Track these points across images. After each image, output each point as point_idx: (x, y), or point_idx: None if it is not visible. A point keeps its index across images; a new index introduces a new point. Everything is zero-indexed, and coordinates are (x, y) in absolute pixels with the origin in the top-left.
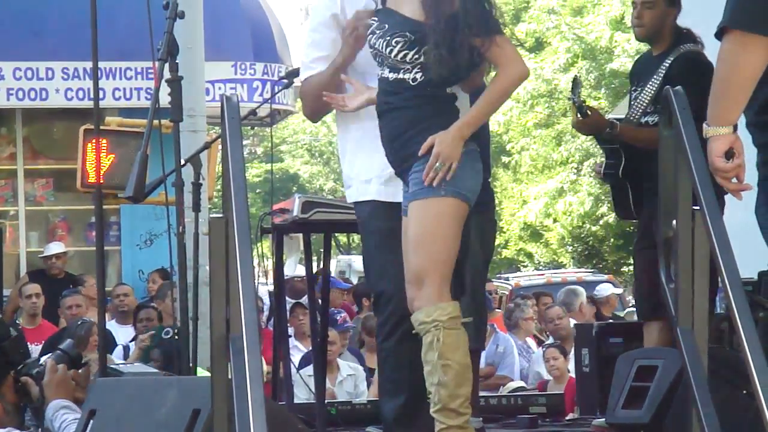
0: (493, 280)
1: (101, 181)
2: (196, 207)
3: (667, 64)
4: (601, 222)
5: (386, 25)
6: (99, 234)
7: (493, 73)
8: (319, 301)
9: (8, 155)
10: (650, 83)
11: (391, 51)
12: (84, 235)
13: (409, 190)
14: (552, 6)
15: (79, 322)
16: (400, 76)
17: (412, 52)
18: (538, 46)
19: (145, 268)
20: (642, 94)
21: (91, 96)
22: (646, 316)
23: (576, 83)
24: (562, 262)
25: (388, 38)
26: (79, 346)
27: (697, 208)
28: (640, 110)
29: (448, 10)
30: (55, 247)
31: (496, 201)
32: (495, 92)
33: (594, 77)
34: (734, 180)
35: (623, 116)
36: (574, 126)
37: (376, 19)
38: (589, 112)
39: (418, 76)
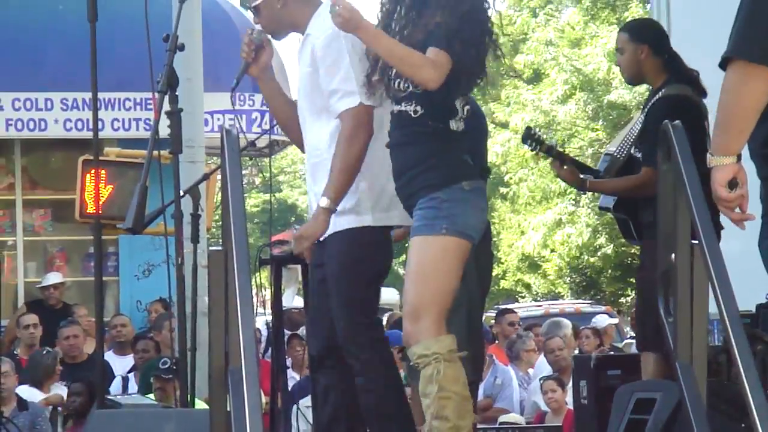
0: (490, 311)
1: (100, 212)
2: (195, 238)
3: (649, 106)
4: (599, 253)
5: None
6: (98, 264)
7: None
8: None
9: (7, 185)
10: (639, 119)
11: (390, 80)
12: (82, 266)
13: (413, 225)
14: (550, 38)
15: (44, 352)
16: (402, 108)
17: (403, 80)
18: (536, 77)
19: (143, 298)
20: (632, 130)
21: (90, 127)
22: (644, 346)
23: (529, 134)
24: (560, 292)
25: (388, 67)
26: (44, 376)
27: (696, 242)
28: (629, 145)
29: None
30: (53, 278)
31: (494, 232)
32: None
33: (592, 109)
34: (737, 210)
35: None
36: (554, 172)
37: None
38: (564, 166)
39: (419, 108)
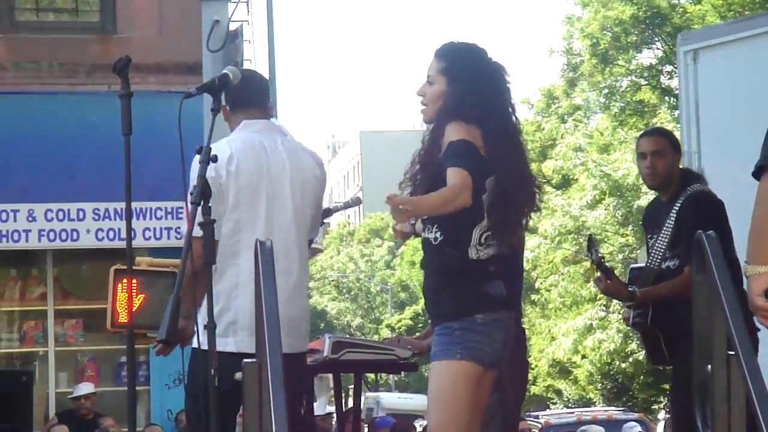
0: (523, 417)
1: (131, 321)
2: None
3: (677, 207)
4: (630, 359)
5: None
6: (130, 375)
7: None
8: None
9: (39, 296)
10: (665, 228)
11: None
12: (113, 375)
13: (432, 350)
14: (579, 143)
15: None
16: (425, 234)
17: None
18: (565, 182)
19: (174, 407)
20: (659, 241)
21: (121, 236)
22: None
23: (591, 242)
24: (591, 399)
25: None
26: None
27: (732, 353)
28: (659, 257)
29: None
30: (85, 388)
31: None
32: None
33: (621, 214)
34: None
35: (643, 264)
36: (597, 286)
37: None
38: (609, 280)
39: (438, 234)
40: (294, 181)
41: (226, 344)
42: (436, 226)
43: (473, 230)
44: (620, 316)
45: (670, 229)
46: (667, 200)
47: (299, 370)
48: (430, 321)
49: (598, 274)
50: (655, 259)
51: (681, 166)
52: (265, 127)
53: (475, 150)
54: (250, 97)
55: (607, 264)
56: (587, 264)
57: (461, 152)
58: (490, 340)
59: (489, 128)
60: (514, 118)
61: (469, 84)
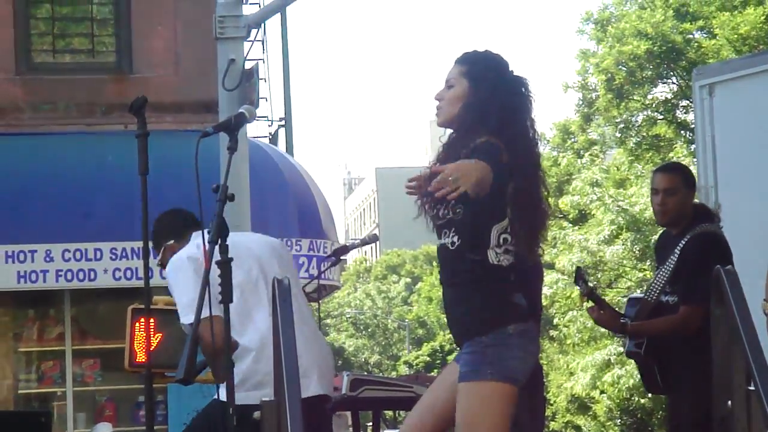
0: None
1: (149, 361)
2: None
3: (683, 244)
4: (649, 394)
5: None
6: (149, 415)
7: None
8: None
9: (56, 336)
10: (668, 263)
11: (431, 208)
12: (131, 415)
13: (460, 370)
14: (595, 178)
15: None
16: (442, 240)
17: (443, 207)
18: (582, 218)
19: None
20: (660, 275)
21: (139, 275)
22: None
23: (579, 273)
24: None
25: (428, 197)
26: None
27: (753, 388)
28: (658, 290)
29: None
30: (103, 428)
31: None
32: None
33: (639, 249)
34: None
35: (641, 295)
36: (590, 315)
37: None
38: (602, 311)
39: (455, 239)
40: (270, 250)
41: (259, 397)
42: (453, 229)
43: (492, 231)
44: None
45: (672, 264)
46: (676, 235)
47: (321, 412)
48: (455, 342)
49: (591, 304)
50: (653, 292)
51: (697, 201)
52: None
53: (498, 150)
54: (184, 222)
55: (599, 294)
56: (606, 297)
57: (485, 150)
58: (525, 354)
59: (509, 137)
60: (532, 132)
61: (491, 90)
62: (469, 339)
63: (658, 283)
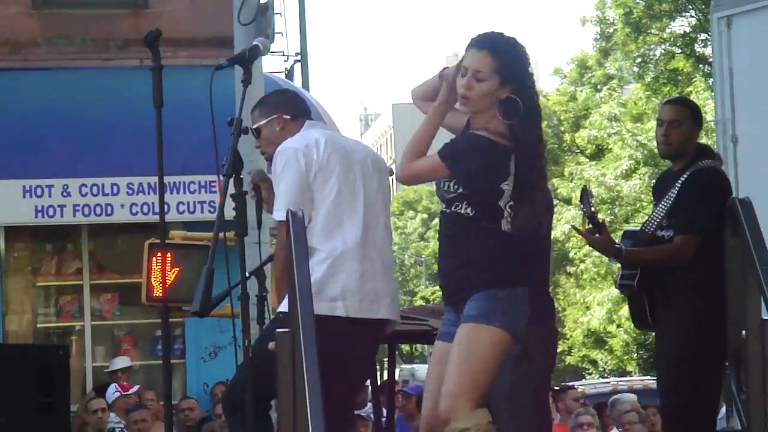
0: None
1: (166, 295)
2: (261, 319)
3: (683, 179)
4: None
5: None
6: (165, 349)
7: None
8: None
9: (74, 271)
10: (667, 197)
11: (439, 182)
12: (149, 349)
13: (465, 312)
14: (613, 113)
15: None
16: (454, 210)
17: (451, 183)
18: (599, 152)
19: (209, 380)
20: (658, 209)
21: (155, 210)
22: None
23: (585, 193)
24: (627, 369)
25: None
26: None
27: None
28: (655, 224)
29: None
30: (121, 362)
31: (559, 308)
32: None
33: None
34: None
35: (638, 228)
36: (585, 239)
37: None
38: (599, 233)
39: (470, 210)
40: (373, 165)
41: (334, 309)
42: (465, 202)
43: (500, 204)
44: None
45: (671, 200)
46: (677, 171)
47: (382, 335)
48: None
49: (589, 226)
50: (650, 225)
51: (706, 141)
52: (324, 127)
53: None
54: (304, 107)
55: (599, 218)
56: (620, 232)
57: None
58: (524, 315)
59: (522, 119)
60: (539, 131)
61: (519, 86)
62: (482, 290)
63: (656, 217)
